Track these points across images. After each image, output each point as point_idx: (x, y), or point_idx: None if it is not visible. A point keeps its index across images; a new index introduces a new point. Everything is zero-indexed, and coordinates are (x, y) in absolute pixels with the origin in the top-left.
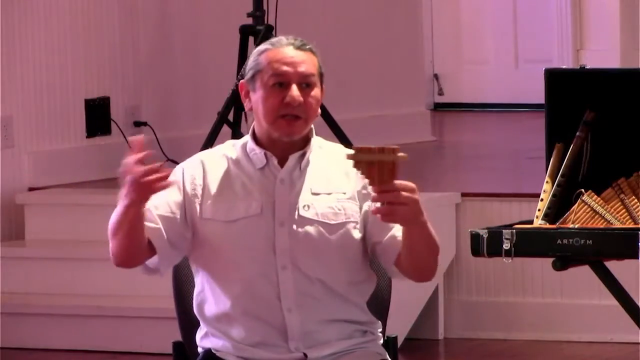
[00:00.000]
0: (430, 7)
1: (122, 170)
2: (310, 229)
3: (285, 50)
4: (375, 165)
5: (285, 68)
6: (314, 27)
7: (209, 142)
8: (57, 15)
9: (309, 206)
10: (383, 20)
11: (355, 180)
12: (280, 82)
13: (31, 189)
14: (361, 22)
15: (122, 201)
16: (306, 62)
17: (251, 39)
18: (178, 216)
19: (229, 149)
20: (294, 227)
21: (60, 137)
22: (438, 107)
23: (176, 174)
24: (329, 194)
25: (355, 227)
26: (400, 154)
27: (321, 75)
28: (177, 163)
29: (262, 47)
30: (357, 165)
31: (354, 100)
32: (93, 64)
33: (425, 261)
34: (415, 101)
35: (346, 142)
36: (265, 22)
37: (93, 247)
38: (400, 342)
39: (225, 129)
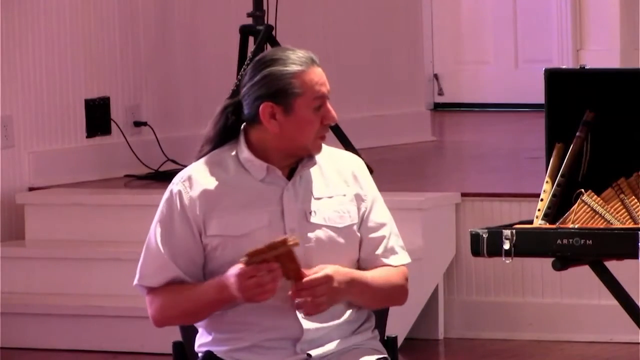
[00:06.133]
0: (430, 7)
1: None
2: (320, 233)
3: (316, 71)
4: (272, 261)
5: (323, 90)
6: (314, 27)
7: None
8: (57, 16)
9: (315, 212)
10: (383, 20)
11: (353, 183)
12: (321, 105)
13: (31, 189)
14: (361, 22)
15: (232, 295)
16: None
17: (251, 39)
18: (196, 252)
19: (219, 163)
20: (305, 233)
21: (60, 137)
22: (438, 107)
23: (173, 199)
24: (331, 197)
25: (356, 229)
26: (291, 241)
27: None
28: (177, 163)
29: (289, 68)
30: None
31: (354, 100)
32: (93, 64)
33: (384, 302)
34: (415, 101)
35: (346, 142)
36: (265, 22)
37: (93, 247)
38: (400, 342)
39: None
